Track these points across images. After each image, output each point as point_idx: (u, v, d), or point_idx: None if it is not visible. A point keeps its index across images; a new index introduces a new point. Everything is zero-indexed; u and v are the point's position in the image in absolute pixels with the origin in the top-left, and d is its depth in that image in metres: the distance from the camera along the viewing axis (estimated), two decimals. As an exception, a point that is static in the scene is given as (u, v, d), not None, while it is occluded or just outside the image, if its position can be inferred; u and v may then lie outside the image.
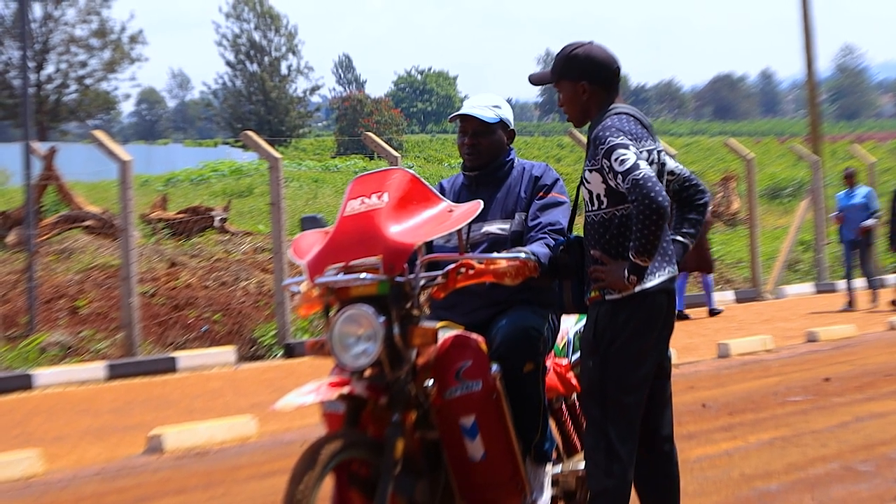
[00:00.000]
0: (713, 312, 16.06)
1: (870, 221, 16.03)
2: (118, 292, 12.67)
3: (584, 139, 4.25)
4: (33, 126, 31.01)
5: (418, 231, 4.03)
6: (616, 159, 4.00)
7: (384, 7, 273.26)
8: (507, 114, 4.70)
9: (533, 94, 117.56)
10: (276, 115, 62.51)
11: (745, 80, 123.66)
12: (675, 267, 4.19)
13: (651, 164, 4.14)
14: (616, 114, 4.18)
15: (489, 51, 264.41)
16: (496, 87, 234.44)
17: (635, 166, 3.96)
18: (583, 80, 4.21)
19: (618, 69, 4.26)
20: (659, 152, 4.21)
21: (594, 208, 4.17)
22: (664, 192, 3.94)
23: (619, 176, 3.99)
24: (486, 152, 4.63)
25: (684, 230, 4.33)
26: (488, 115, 4.61)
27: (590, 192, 4.17)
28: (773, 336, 12.86)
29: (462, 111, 4.62)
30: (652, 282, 4.08)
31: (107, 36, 49.57)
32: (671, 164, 4.33)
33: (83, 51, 49.35)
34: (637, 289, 4.04)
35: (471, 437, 4.13)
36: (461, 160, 4.74)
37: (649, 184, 3.91)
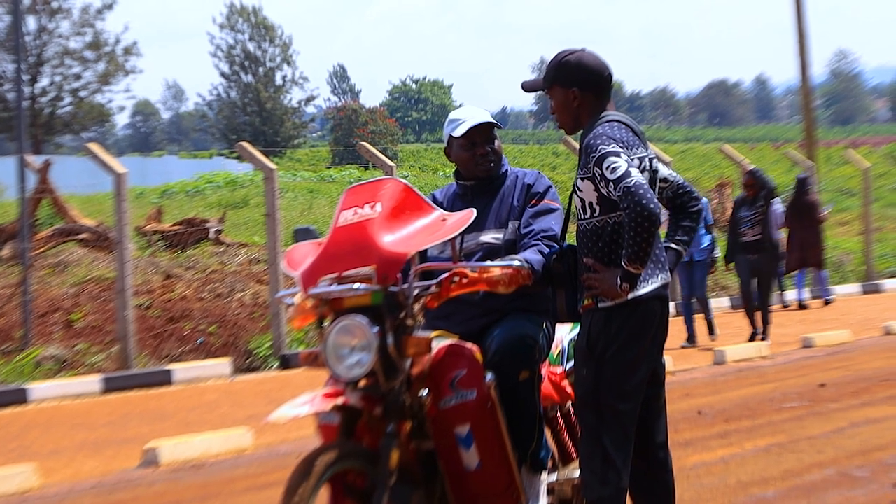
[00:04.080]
0: (827, 302, 18.44)
1: (716, 253, 13.37)
2: (113, 305, 12.66)
3: (579, 147, 4.25)
4: (28, 139, 30.92)
5: (412, 240, 4.03)
6: (607, 167, 4.00)
7: (378, 17, 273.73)
8: None
9: (528, 102, 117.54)
10: (271, 125, 62.50)
11: (739, 86, 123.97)
12: (668, 274, 4.19)
13: (643, 171, 4.13)
14: (607, 121, 4.18)
15: (484, 59, 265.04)
16: (491, 96, 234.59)
17: (627, 174, 3.95)
18: (574, 87, 4.21)
19: (609, 76, 4.26)
20: (651, 160, 4.21)
21: (586, 216, 4.16)
22: (656, 200, 3.94)
23: (611, 184, 3.98)
24: (499, 158, 4.64)
25: (678, 237, 4.34)
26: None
27: (582, 201, 4.16)
28: (768, 342, 12.87)
29: (481, 120, 4.57)
30: (645, 289, 4.08)
31: (101, 48, 49.52)
32: (664, 171, 4.34)
33: (77, 63, 49.30)
34: (630, 296, 4.04)
35: (466, 446, 4.12)
36: (454, 170, 4.73)
37: (641, 191, 3.91)
